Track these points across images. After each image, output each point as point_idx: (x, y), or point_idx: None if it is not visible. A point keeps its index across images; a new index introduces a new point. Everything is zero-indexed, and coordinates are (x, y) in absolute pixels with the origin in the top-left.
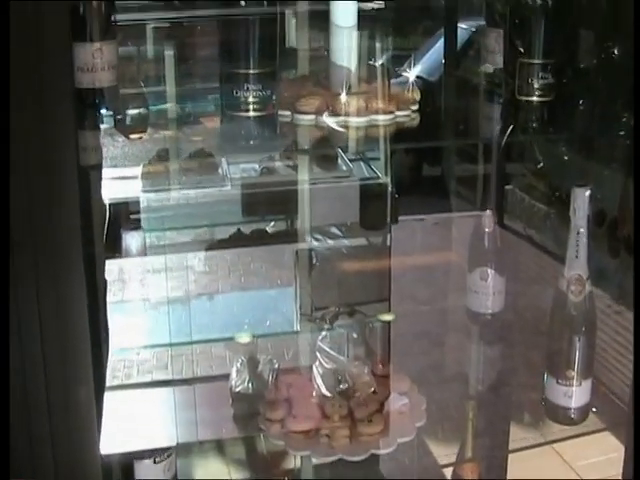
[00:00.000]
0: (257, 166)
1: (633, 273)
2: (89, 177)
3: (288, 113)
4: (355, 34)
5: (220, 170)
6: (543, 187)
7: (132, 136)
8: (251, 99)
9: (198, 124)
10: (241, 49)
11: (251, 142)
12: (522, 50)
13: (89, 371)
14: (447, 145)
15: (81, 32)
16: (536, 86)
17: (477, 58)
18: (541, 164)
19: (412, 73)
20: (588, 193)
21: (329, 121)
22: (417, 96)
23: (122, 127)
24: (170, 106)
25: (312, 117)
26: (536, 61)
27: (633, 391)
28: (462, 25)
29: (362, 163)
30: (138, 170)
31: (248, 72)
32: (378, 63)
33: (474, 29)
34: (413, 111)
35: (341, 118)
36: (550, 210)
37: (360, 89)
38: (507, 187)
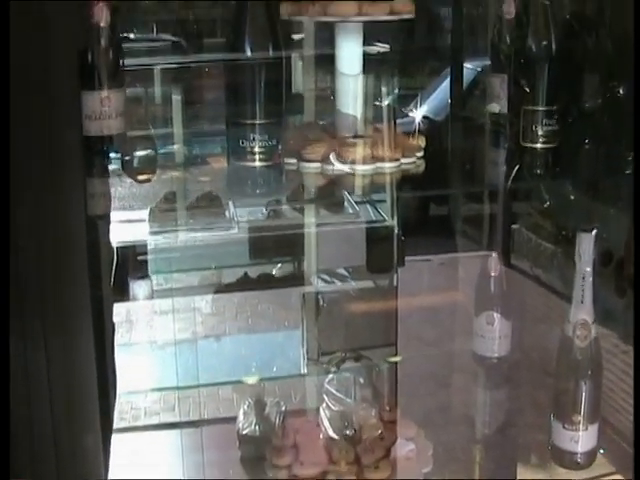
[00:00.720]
0: (264, 209)
1: (633, 302)
2: (97, 223)
3: (294, 161)
4: (361, 81)
5: (227, 213)
6: (550, 226)
7: (140, 177)
8: (257, 149)
9: (205, 164)
10: (247, 97)
11: (257, 191)
12: (527, 89)
13: (97, 415)
14: (453, 188)
15: (89, 80)
16: (540, 133)
17: (483, 98)
18: (547, 203)
19: (418, 113)
20: (593, 238)
21: (335, 169)
22: (422, 143)
23: (129, 169)
24: (177, 147)
25: (318, 165)
26: (540, 108)
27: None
28: (468, 65)
29: (368, 206)
30: (145, 213)
31: (254, 122)
32: (384, 103)
33: (480, 69)
34: (418, 158)
35: (347, 166)
36: (557, 249)
37: (366, 136)
38: (513, 226)
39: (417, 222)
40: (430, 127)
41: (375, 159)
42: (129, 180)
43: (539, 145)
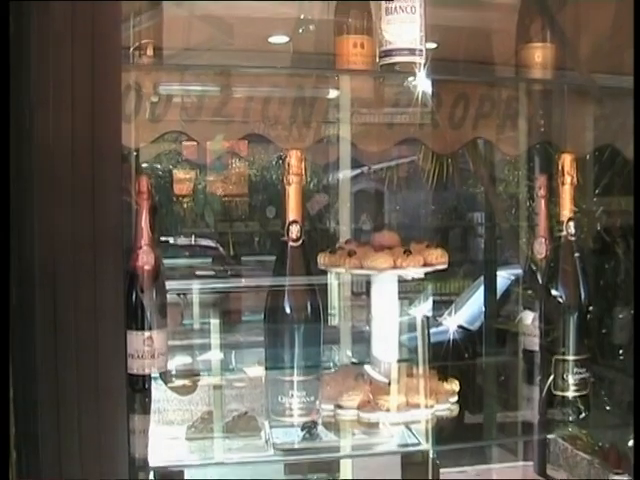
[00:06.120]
0: (300, 429)
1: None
2: (137, 456)
3: (331, 407)
4: (396, 328)
5: (263, 434)
6: (586, 437)
7: (177, 383)
8: (296, 405)
9: (241, 372)
10: (286, 353)
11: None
12: (560, 301)
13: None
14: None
15: (133, 320)
16: (571, 382)
17: (516, 306)
18: (583, 414)
19: (453, 322)
20: None
21: (371, 417)
22: (456, 387)
23: (168, 377)
24: (214, 355)
25: (354, 412)
26: (570, 357)
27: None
28: (501, 273)
29: (403, 427)
30: (182, 431)
31: (292, 379)
32: (418, 317)
33: (513, 277)
34: (452, 403)
35: (382, 414)
36: (593, 460)
37: (401, 381)
38: (549, 436)
39: (452, 430)
40: (465, 337)
41: (410, 406)
42: (164, 388)
43: (570, 393)
